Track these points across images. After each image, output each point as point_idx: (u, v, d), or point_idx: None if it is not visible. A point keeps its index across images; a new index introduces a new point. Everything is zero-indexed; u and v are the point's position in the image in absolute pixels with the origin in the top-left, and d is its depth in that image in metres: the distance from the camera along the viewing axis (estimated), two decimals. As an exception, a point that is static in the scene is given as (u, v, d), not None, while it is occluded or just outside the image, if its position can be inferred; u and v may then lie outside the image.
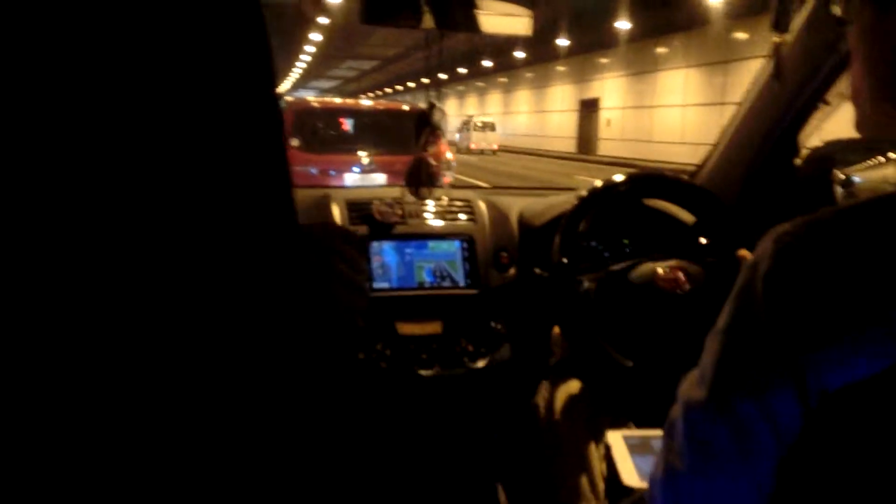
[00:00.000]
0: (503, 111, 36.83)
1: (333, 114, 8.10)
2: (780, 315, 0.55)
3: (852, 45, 0.65)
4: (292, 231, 0.36)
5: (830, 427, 0.53)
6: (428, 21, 1.46)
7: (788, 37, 1.47)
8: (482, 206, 1.66)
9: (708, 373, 0.61)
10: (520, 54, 27.89)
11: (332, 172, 6.91)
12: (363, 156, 6.95)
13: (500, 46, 25.61)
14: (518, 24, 1.52)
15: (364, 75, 45.08)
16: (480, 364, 1.55)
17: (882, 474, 0.51)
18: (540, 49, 25.79)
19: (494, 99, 39.09)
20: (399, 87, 48.49)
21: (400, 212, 1.57)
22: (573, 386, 1.59)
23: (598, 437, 1.54)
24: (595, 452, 1.50)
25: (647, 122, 22.57)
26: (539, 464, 1.60)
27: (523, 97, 34.54)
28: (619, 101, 24.87)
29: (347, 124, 7.86)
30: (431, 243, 1.58)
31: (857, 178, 1.56)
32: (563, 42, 23.41)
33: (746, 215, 1.54)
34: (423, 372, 1.50)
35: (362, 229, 1.54)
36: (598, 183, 1.57)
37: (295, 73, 45.96)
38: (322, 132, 7.68)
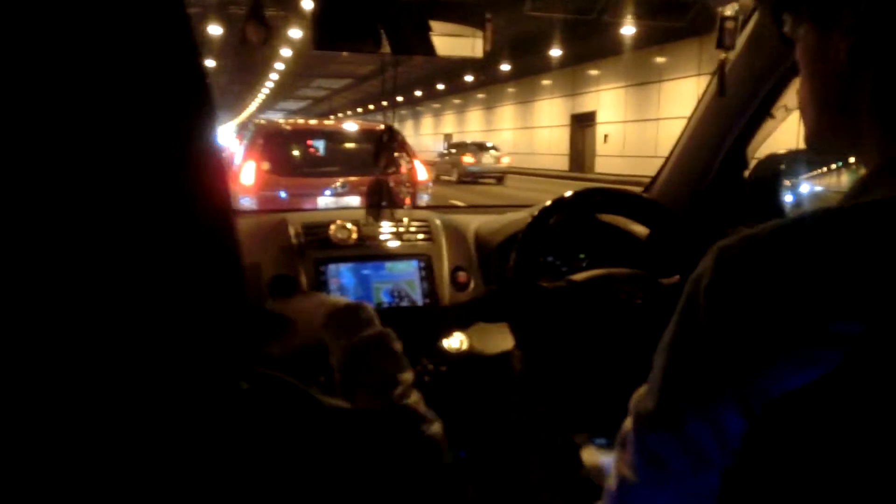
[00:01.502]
0: (485, 128, 36.24)
1: (304, 135, 8.06)
2: (722, 328, 0.58)
3: (799, 62, 0.70)
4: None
5: (773, 432, 0.56)
6: (384, 46, 1.56)
7: (732, 54, 1.59)
8: (439, 225, 1.73)
9: (656, 387, 0.64)
10: (504, 67, 27.49)
11: (304, 196, 6.95)
12: (336, 178, 7.00)
13: (481, 61, 25.53)
14: (470, 45, 1.62)
15: (335, 94, 45.08)
16: (441, 382, 1.62)
17: (823, 476, 0.55)
18: (524, 62, 25.42)
19: (474, 116, 38.55)
20: (371, 107, 48.64)
21: (356, 234, 1.64)
22: (534, 400, 1.67)
23: (561, 448, 1.62)
24: (557, 469, 1.58)
25: (650, 135, 21.17)
26: (505, 480, 1.68)
27: (507, 113, 33.96)
28: (617, 115, 23.92)
29: (319, 146, 7.89)
30: (388, 264, 1.64)
31: (804, 187, 1.67)
32: (553, 53, 22.87)
33: (698, 226, 1.64)
34: None
35: (318, 252, 1.62)
36: (552, 199, 1.66)
37: (261, 95, 46.00)
38: (293, 155, 7.71)
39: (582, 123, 26.57)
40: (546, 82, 29.13)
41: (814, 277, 0.55)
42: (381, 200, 1.48)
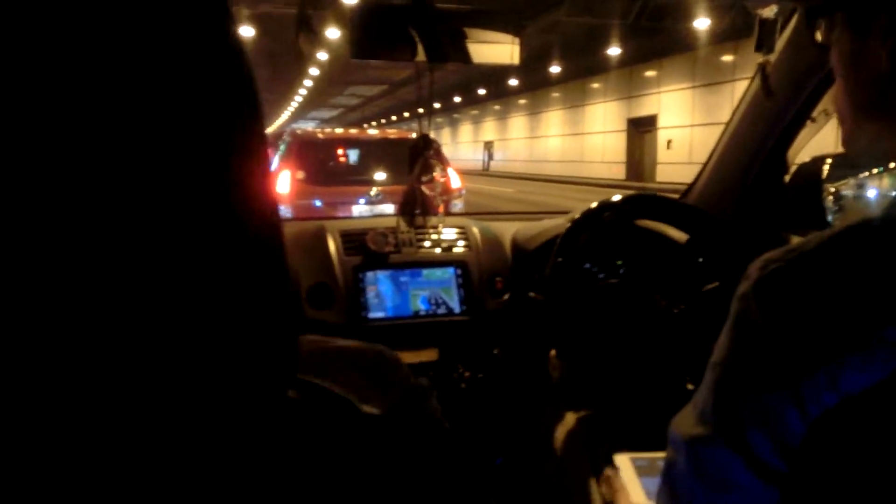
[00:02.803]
0: (529, 135, 35.15)
1: (339, 144, 8.24)
2: (776, 338, 0.60)
3: (834, 68, 0.72)
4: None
5: (831, 439, 0.58)
6: (420, 54, 1.63)
7: (773, 57, 1.63)
8: (475, 232, 1.78)
9: (709, 407, 0.64)
10: (553, 69, 26.31)
11: (339, 205, 7.12)
12: (370, 187, 7.15)
13: (525, 65, 25.05)
14: (506, 52, 1.68)
15: (368, 102, 45.36)
16: (478, 390, 1.69)
17: (884, 482, 0.56)
18: (573, 64, 24.62)
19: (517, 122, 37.37)
20: (406, 114, 48.79)
21: (394, 241, 1.69)
22: (573, 408, 1.72)
23: (601, 460, 1.66)
24: (594, 479, 1.62)
25: (722, 141, 19.60)
26: (541, 488, 1.73)
27: (553, 118, 32.46)
28: (682, 118, 22.31)
29: (353, 154, 8.05)
30: (426, 271, 1.70)
31: (846, 193, 1.70)
32: (606, 53, 21.69)
33: (738, 232, 1.68)
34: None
35: (356, 260, 1.68)
36: (591, 205, 1.71)
37: (294, 103, 46.59)
38: (327, 163, 7.89)
39: (640, 128, 25.07)
40: (597, 85, 27.95)
41: (863, 287, 0.57)
42: (416, 208, 1.55)
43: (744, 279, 0.64)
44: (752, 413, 0.61)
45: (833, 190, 1.68)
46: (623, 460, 1.52)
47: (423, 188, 1.58)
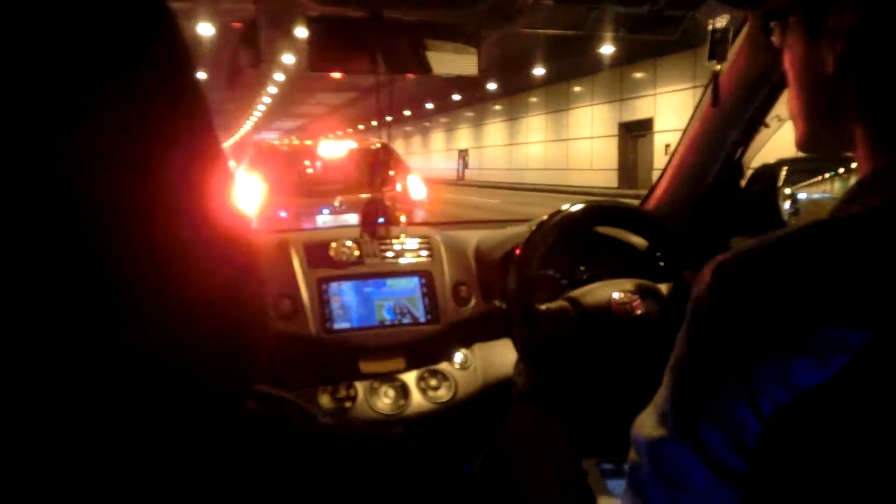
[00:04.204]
0: (507, 142, 34.52)
1: (302, 155, 8.43)
2: (728, 337, 0.63)
3: (787, 71, 0.76)
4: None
5: (784, 437, 0.60)
6: (380, 65, 1.71)
7: (725, 65, 1.73)
8: (439, 241, 1.84)
9: (668, 408, 0.67)
10: (536, 72, 25.73)
11: (303, 215, 7.25)
12: (334, 197, 7.26)
13: (502, 68, 24.51)
14: (465, 63, 1.77)
15: (334, 111, 45.42)
16: (445, 398, 1.76)
17: (839, 484, 0.58)
18: (555, 66, 24.20)
19: (494, 129, 36.64)
20: (375, 123, 48.52)
21: (357, 252, 1.77)
22: (540, 415, 1.80)
23: (568, 466, 1.74)
24: (560, 486, 1.70)
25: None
26: (509, 495, 1.80)
27: (534, 124, 31.80)
28: (682, 121, 18.51)
29: (317, 165, 8.25)
30: (390, 281, 1.76)
31: (801, 195, 1.81)
32: (594, 54, 21.03)
33: (696, 237, 1.78)
34: (387, 408, 1.71)
35: (320, 271, 1.75)
36: (549, 214, 1.81)
37: (257, 113, 46.42)
38: (291, 174, 8.01)
39: (634, 133, 24.38)
40: (580, 88, 27.33)
41: (809, 287, 0.60)
42: (377, 218, 1.63)
43: (698, 281, 0.67)
44: (707, 412, 0.64)
45: (789, 193, 1.78)
46: (590, 464, 1.61)
47: (385, 199, 1.66)
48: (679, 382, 0.68)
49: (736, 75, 1.66)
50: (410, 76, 1.75)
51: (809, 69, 0.72)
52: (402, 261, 1.81)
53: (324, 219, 7.14)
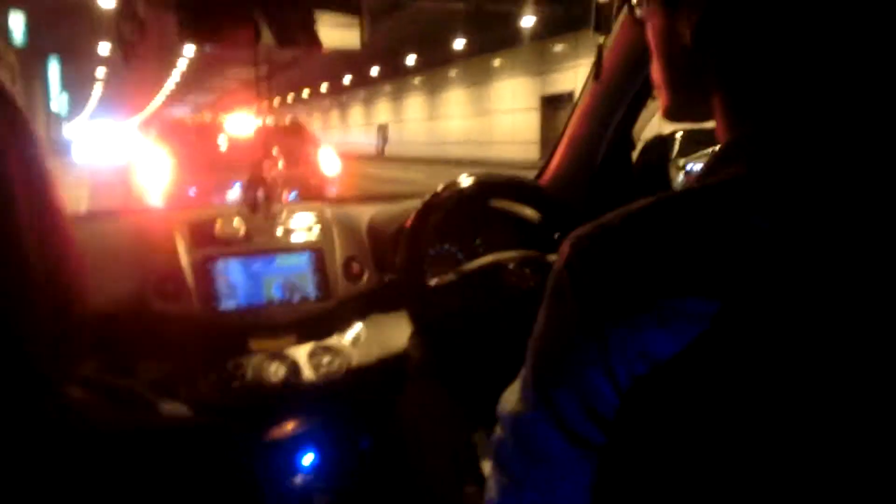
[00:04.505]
0: (428, 116, 34.85)
1: (210, 130, 8.37)
2: (583, 307, 0.64)
3: (650, 42, 0.78)
4: None
5: (639, 407, 0.61)
6: (265, 38, 1.66)
7: (610, 38, 1.75)
8: (329, 216, 1.82)
9: (529, 381, 0.68)
10: (455, 46, 25.63)
11: (213, 192, 7.17)
12: (244, 173, 7.17)
13: (420, 41, 24.25)
14: (350, 37, 1.74)
15: (248, 86, 44.52)
16: (337, 373, 1.75)
17: (694, 454, 0.60)
18: (475, 39, 24.22)
19: (415, 103, 36.87)
20: (290, 99, 47.71)
21: (244, 229, 1.74)
22: (433, 389, 1.82)
23: (459, 439, 1.76)
24: (454, 459, 1.72)
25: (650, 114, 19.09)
26: (405, 469, 1.82)
27: (455, 98, 32.41)
28: None
29: (226, 141, 8.17)
30: (279, 258, 1.73)
31: (695, 166, 1.86)
32: (513, 27, 21.23)
33: (590, 209, 1.81)
34: (278, 384, 1.70)
35: (205, 250, 1.71)
36: (441, 187, 1.81)
37: (169, 87, 45.21)
38: (201, 151, 7.91)
39: (555, 106, 24.51)
40: (501, 62, 27.68)
41: (660, 257, 0.62)
42: (257, 194, 1.60)
43: (558, 255, 0.68)
44: (564, 383, 0.65)
45: (682, 164, 1.83)
46: (481, 437, 1.63)
47: (265, 175, 1.63)
48: (539, 355, 0.69)
49: (621, 47, 1.68)
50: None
51: (669, 41, 0.74)
52: (292, 238, 1.78)
53: (234, 194, 7.07)
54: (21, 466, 0.38)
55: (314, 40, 1.67)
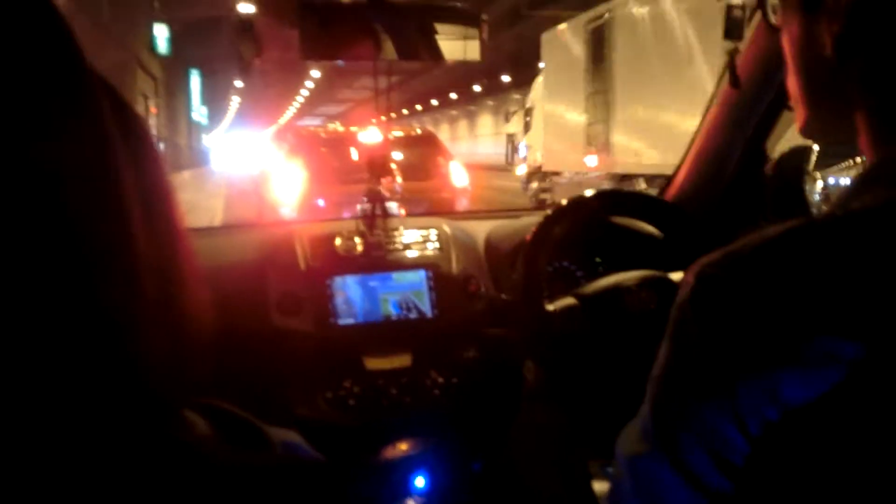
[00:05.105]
0: None
1: (341, 142, 8.49)
2: (712, 348, 0.60)
3: (785, 51, 0.73)
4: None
5: (777, 459, 0.58)
6: (386, 52, 1.68)
7: (742, 45, 1.68)
8: (447, 233, 1.82)
9: (648, 422, 0.65)
10: None
11: (343, 204, 7.31)
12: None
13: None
14: (470, 48, 1.74)
15: (378, 96, 45.45)
16: (452, 394, 1.75)
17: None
18: None
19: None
20: (419, 108, 48.48)
21: (362, 245, 1.75)
22: (549, 414, 1.78)
23: (574, 467, 1.72)
24: (567, 486, 1.68)
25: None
26: (518, 494, 1.79)
27: None
28: None
29: (356, 152, 8.31)
30: (396, 275, 1.74)
31: (833, 180, 1.75)
32: None
33: (714, 226, 1.73)
34: (392, 404, 1.70)
35: (325, 266, 1.72)
36: (563, 202, 1.77)
37: (300, 98, 46.82)
38: (331, 162, 8.08)
39: None
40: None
41: (798, 294, 0.57)
42: (375, 209, 1.62)
43: (682, 286, 0.64)
44: (689, 428, 0.61)
45: (819, 178, 1.72)
46: (595, 468, 1.59)
47: (383, 189, 1.65)
48: (660, 396, 0.65)
49: (754, 56, 1.61)
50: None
51: (807, 51, 0.69)
52: (408, 254, 1.80)
53: (365, 208, 7.20)
54: (137, 494, 0.38)
55: (435, 53, 1.68)
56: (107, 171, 0.36)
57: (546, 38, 13.66)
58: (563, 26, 13.40)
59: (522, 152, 14.52)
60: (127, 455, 0.37)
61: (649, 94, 10.09)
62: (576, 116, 12.50)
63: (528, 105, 15.51)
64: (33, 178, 0.33)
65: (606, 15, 11.09)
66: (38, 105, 0.33)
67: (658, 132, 9.63)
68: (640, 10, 10.14)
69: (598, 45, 11.43)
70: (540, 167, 13.83)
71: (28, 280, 0.32)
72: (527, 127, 15.04)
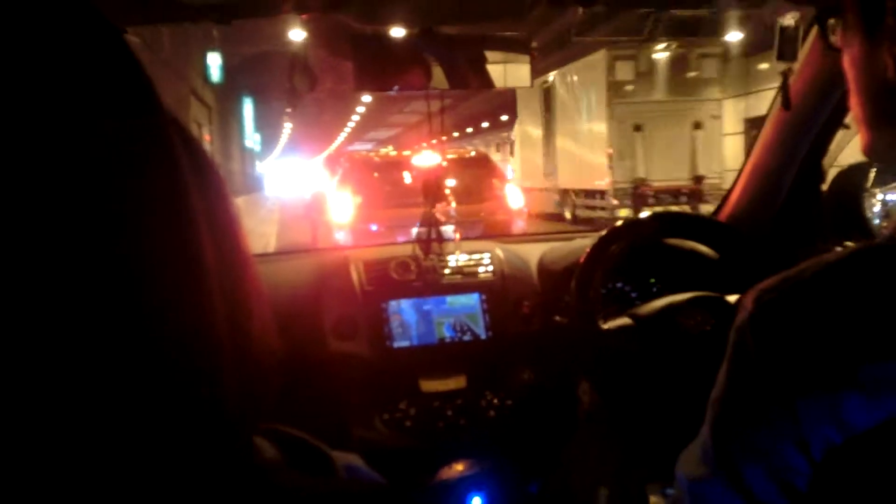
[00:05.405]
0: None
1: (394, 166, 8.60)
2: (773, 373, 0.60)
3: (846, 72, 0.72)
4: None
5: (841, 482, 0.57)
6: (437, 81, 1.72)
7: (796, 65, 1.68)
8: (500, 256, 1.85)
9: (709, 445, 0.65)
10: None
11: (397, 228, 7.33)
12: None
13: None
14: (519, 74, 1.77)
15: (427, 119, 45.68)
16: (507, 417, 1.76)
17: None
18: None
19: None
20: (470, 130, 48.41)
21: (416, 269, 1.78)
22: (605, 436, 1.79)
23: (631, 490, 1.72)
24: None
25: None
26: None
27: None
28: None
29: (410, 176, 8.34)
30: (450, 298, 1.78)
31: (892, 198, 1.73)
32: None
33: (770, 246, 1.73)
34: (448, 425, 1.73)
35: (379, 290, 1.77)
36: (617, 224, 1.78)
37: (351, 123, 47.28)
38: (384, 186, 8.16)
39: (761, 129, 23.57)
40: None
41: (861, 319, 0.57)
42: (429, 234, 1.65)
43: (740, 310, 0.65)
44: (750, 452, 0.61)
45: (878, 196, 1.71)
46: (654, 489, 1.58)
47: (437, 214, 1.68)
48: (720, 419, 0.66)
49: (808, 75, 1.61)
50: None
51: (869, 73, 0.68)
52: (462, 277, 1.83)
53: (419, 232, 7.22)
54: None
55: (485, 80, 1.72)
56: (186, 220, 0.36)
57: (519, 91, 17.74)
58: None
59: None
60: (202, 482, 0.37)
61: (570, 134, 15.96)
62: (537, 148, 18.19)
63: (512, 138, 21.18)
64: (114, 230, 0.33)
65: (550, 79, 16.58)
66: (122, 153, 0.33)
67: (576, 159, 15.55)
68: (566, 79, 16.03)
69: (547, 100, 17.05)
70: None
71: (115, 333, 0.33)
72: (512, 153, 20.76)
